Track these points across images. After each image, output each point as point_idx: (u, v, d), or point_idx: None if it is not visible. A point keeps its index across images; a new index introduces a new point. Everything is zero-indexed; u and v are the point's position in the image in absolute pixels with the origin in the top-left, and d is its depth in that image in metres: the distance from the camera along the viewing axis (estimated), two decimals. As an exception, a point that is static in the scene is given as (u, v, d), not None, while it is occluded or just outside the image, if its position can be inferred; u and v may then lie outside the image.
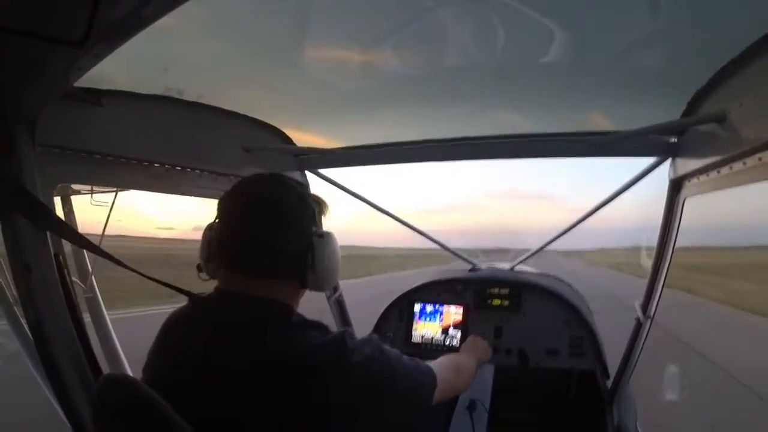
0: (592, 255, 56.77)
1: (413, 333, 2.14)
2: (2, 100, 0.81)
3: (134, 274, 1.05)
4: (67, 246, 1.12)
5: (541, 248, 2.33)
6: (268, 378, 0.74)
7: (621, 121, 1.59)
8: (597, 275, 22.78)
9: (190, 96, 1.40)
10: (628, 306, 1.94)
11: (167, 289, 0.98)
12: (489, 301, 2.15)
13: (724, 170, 1.20)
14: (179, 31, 1.01)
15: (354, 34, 1.11)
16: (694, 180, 1.43)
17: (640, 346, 1.79)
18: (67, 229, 1.02)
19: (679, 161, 1.50)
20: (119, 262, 1.04)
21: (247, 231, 0.83)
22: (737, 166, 1.12)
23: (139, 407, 0.69)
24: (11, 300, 1.87)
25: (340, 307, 2.30)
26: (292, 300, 0.88)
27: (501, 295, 2.15)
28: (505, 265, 2.44)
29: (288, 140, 1.85)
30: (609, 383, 2.01)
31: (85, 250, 2.08)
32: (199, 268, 0.92)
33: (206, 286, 0.91)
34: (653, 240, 1.70)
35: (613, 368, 2.00)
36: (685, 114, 1.35)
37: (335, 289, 2.21)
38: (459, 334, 2.08)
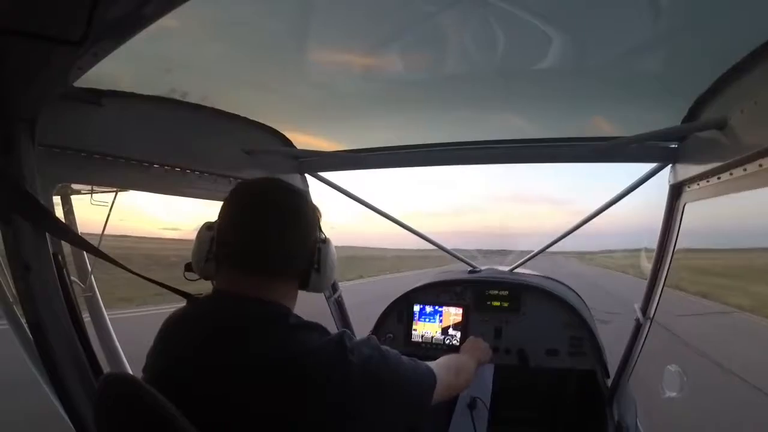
0: (603, 258, 56.63)
1: (413, 333, 2.15)
2: (2, 99, 0.81)
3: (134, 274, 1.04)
4: (66, 245, 1.12)
5: (542, 251, 2.33)
6: (267, 379, 0.73)
7: (622, 126, 1.59)
8: (611, 279, 21.40)
9: (193, 98, 1.41)
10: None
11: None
12: (488, 303, 2.16)
13: (725, 176, 1.20)
14: (181, 33, 1.01)
15: (356, 38, 1.11)
16: (694, 186, 1.43)
17: (640, 347, 1.82)
18: (65, 229, 1.02)
19: (680, 167, 1.50)
20: (117, 263, 1.04)
21: (260, 231, 0.84)
22: (737, 172, 1.12)
23: (142, 406, 0.69)
24: (11, 300, 1.87)
25: (339, 308, 2.30)
26: (290, 301, 0.88)
27: (500, 297, 2.15)
28: (504, 268, 2.45)
29: (288, 143, 1.85)
30: (609, 383, 2.02)
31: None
32: (187, 267, 0.92)
33: (203, 286, 0.90)
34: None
35: (612, 369, 2.01)
36: (686, 120, 1.35)
37: (335, 289, 2.22)
38: (459, 335, 2.09)
